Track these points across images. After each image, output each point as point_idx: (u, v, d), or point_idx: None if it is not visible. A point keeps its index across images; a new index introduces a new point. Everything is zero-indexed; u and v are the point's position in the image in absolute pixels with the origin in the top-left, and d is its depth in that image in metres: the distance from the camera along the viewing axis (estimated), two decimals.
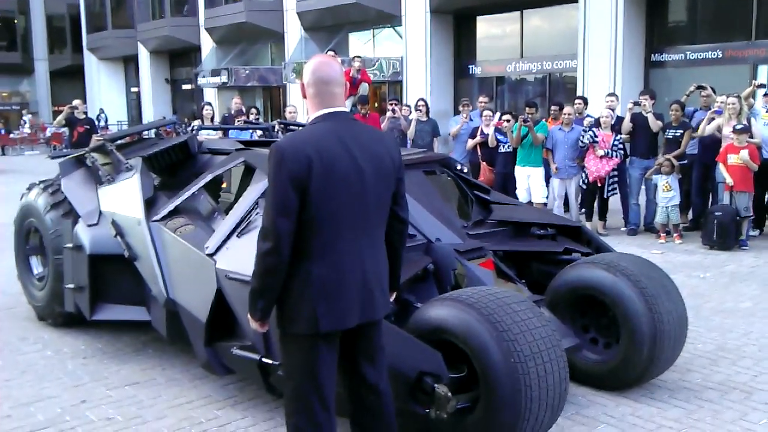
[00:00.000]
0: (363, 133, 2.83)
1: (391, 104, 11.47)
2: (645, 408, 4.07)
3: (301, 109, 13.91)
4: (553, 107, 10.52)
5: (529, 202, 9.40)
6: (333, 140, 2.70)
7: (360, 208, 2.74)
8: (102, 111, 30.13)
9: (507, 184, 9.73)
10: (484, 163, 10.29)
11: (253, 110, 11.72)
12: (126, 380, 4.59)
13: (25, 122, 30.48)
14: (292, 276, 2.70)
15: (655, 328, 4.02)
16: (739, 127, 8.39)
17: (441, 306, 3.56)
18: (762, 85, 9.52)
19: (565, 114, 9.64)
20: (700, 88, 9.86)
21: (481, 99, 11.49)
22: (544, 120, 10.17)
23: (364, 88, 12.13)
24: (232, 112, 11.89)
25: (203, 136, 6.79)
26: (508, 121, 9.69)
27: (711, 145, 8.91)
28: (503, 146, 9.88)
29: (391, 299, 3.06)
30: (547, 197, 9.82)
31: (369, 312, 2.80)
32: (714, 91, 9.56)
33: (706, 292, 6.57)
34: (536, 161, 9.61)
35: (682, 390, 4.33)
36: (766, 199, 9.11)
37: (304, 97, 2.84)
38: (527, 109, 9.87)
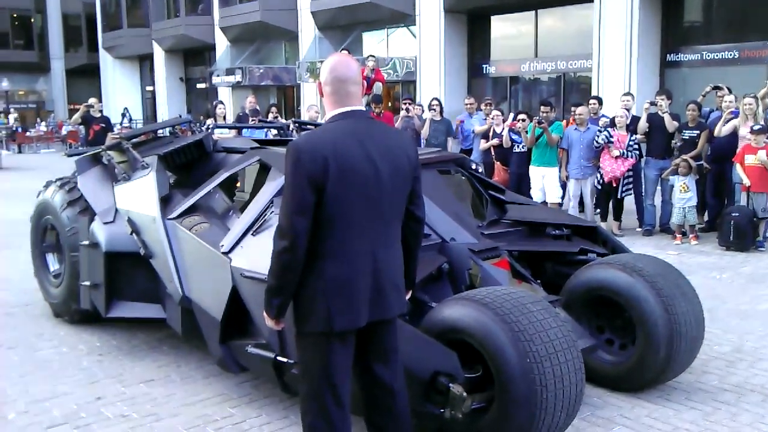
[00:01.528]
0: (380, 132, 2.82)
1: (405, 103, 11.47)
2: (661, 410, 4.04)
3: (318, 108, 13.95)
4: (573, 108, 10.48)
5: (544, 202, 9.36)
6: (350, 139, 2.69)
7: (375, 207, 2.73)
8: (126, 110, 30.40)
9: (521, 184, 9.70)
10: (498, 162, 10.27)
11: (273, 109, 11.75)
12: (141, 377, 4.61)
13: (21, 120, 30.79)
14: (306, 274, 2.70)
15: (671, 329, 3.99)
16: (756, 127, 8.31)
17: (456, 306, 3.55)
18: None
19: (579, 114, 9.59)
20: (717, 88, 9.78)
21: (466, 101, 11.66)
22: (558, 120, 10.13)
23: (378, 88, 12.15)
24: (247, 111, 11.94)
25: (218, 134, 6.81)
26: (523, 120, 9.66)
27: (726, 146, 8.83)
28: (518, 146, 9.85)
29: (407, 298, 3.05)
30: (562, 197, 9.78)
31: (380, 310, 2.79)
32: (730, 91, 9.48)
33: (722, 293, 6.51)
34: (551, 161, 9.57)
35: (698, 392, 4.29)
36: None
37: (321, 95, 2.84)
38: (542, 108, 9.83)
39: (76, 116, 12.90)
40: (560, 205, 9.66)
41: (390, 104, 19.72)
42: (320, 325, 2.70)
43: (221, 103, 11.55)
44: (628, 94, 10.45)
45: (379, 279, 2.77)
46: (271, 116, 11.16)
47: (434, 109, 11.19)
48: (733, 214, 8.31)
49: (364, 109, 2.88)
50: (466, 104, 11.72)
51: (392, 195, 2.78)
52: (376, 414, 2.96)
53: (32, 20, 40.27)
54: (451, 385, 3.28)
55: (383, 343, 2.91)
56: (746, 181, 8.31)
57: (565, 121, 9.54)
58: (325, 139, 2.69)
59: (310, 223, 2.64)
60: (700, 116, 9.24)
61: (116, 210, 5.14)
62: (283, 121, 10.29)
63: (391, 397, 2.92)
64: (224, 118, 10.86)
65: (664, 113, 9.22)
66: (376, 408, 2.95)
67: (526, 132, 9.56)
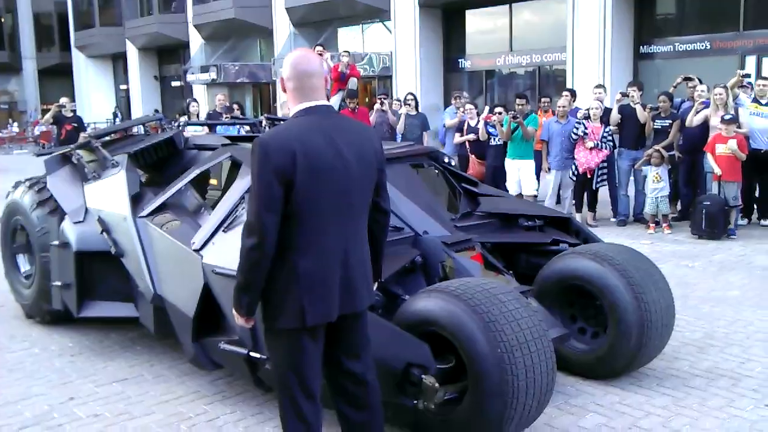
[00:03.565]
0: (346, 126, 2.82)
1: (380, 98, 11.48)
2: (633, 396, 4.08)
3: None
4: (543, 99, 10.57)
5: (520, 195, 9.42)
6: (316, 133, 2.68)
7: (345, 200, 2.73)
8: (117, 109, 29.99)
9: (497, 177, 9.74)
10: (473, 155, 10.31)
11: (235, 106, 11.72)
12: (114, 377, 4.57)
13: None
14: (277, 270, 2.68)
15: (642, 317, 4.03)
16: (727, 117, 8.41)
17: (428, 298, 3.55)
18: (747, 75, 9.55)
19: (559, 106, 9.66)
20: (687, 79, 9.89)
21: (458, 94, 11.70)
22: (534, 113, 10.19)
23: (353, 83, 12.11)
24: (217, 109, 11.88)
25: (190, 132, 6.76)
26: (500, 113, 9.69)
27: (697, 136, 8.93)
28: (494, 139, 9.89)
29: (375, 288, 3.07)
30: (537, 190, 9.84)
31: (351, 303, 2.79)
32: (701, 82, 9.59)
33: (694, 281, 6.59)
34: (527, 154, 9.62)
35: (669, 378, 4.34)
36: (755, 189, 9.14)
37: (284, 91, 2.82)
38: (517, 101, 9.87)
39: (48, 116, 12.82)
40: (535, 197, 9.71)
41: (367, 99, 19.71)
42: (292, 322, 2.69)
43: (195, 101, 11.50)
44: (600, 86, 10.53)
45: (349, 272, 2.76)
46: (236, 112, 11.14)
47: (409, 104, 11.21)
48: (705, 203, 8.41)
49: (329, 103, 2.87)
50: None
51: (360, 187, 2.78)
52: (348, 407, 2.95)
53: (2, 20, 39.68)
54: (423, 376, 3.28)
55: (354, 336, 2.90)
56: (717, 171, 8.40)
57: (511, 113, 9.54)
58: (292, 133, 2.67)
59: (279, 219, 2.62)
60: (671, 107, 9.34)
61: (86, 209, 5.08)
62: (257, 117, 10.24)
63: (362, 388, 2.93)
64: (197, 116, 10.81)
65: (636, 104, 9.30)
66: (348, 400, 2.95)
67: (502, 125, 9.59)
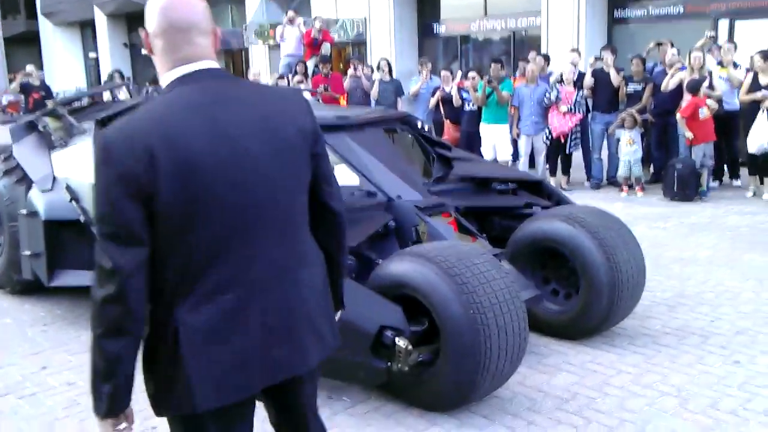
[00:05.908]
0: (247, 95, 1.87)
1: (353, 64, 11.40)
2: (605, 355, 4.14)
3: (266, 72, 13.71)
4: (522, 62, 10.57)
5: (495, 160, 9.43)
6: (191, 113, 1.75)
7: (251, 208, 1.80)
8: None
9: (472, 143, 9.73)
10: (448, 120, 10.29)
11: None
12: (86, 346, 4.45)
13: None
14: (153, 330, 1.80)
15: (613, 277, 4.07)
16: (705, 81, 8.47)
17: (401, 261, 3.55)
18: (713, 37, 9.60)
19: (529, 71, 9.64)
20: (659, 44, 9.90)
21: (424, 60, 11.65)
22: (508, 77, 10.16)
23: (326, 48, 12.01)
24: None
25: None
26: (473, 78, 9.65)
27: (670, 100, 8.96)
28: (468, 104, 9.87)
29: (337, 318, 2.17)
30: (513, 155, 9.85)
31: (286, 366, 1.90)
32: (672, 45, 9.60)
33: (666, 242, 6.67)
34: (502, 119, 9.60)
35: (641, 336, 4.41)
36: (731, 151, 9.23)
37: (150, 52, 1.90)
38: (492, 65, 9.83)
39: (14, 85, 12.59)
40: (510, 162, 9.73)
41: (341, 65, 19.51)
42: (178, 406, 1.82)
43: None
44: (575, 50, 10.52)
45: (279, 318, 1.86)
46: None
47: (383, 70, 11.13)
48: (677, 166, 8.49)
49: (216, 66, 1.87)
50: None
51: (281, 185, 1.85)
52: None
53: None
54: (396, 338, 3.30)
55: (293, 409, 2.08)
56: (689, 135, 8.44)
57: (485, 78, 9.53)
58: (149, 121, 1.74)
59: (145, 253, 1.71)
60: (644, 71, 9.36)
61: (54, 177, 5.00)
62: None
63: None
64: None
65: (609, 68, 9.31)
66: None
67: (476, 90, 9.56)
